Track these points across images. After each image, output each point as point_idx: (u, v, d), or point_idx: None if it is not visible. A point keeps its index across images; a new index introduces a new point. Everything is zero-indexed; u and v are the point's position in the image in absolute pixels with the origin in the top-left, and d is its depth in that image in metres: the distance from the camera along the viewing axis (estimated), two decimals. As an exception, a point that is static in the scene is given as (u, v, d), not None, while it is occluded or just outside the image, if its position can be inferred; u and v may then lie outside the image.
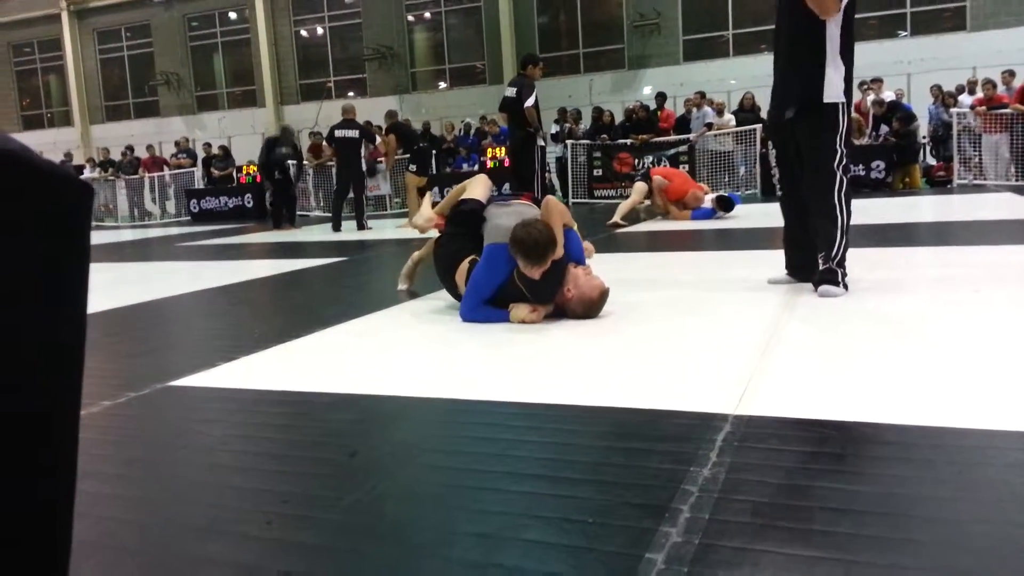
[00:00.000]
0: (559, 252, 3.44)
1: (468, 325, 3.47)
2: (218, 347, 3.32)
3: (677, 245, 6.62)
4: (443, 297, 4.08)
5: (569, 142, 13.93)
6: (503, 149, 13.42)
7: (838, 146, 3.65)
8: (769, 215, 8.60)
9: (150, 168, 17.96)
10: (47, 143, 23.36)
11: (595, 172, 13.73)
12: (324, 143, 11.42)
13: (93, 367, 2.97)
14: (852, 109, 3.80)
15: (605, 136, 13.84)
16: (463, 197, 3.96)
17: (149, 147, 18.88)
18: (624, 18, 19.71)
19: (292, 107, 22.97)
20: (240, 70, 24.27)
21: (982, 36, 16.60)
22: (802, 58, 3.68)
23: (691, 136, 13.16)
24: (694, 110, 13.63)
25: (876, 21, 17.55)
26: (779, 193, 4.03)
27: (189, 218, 16.36)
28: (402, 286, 4.52)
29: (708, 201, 8.50)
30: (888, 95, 13.12)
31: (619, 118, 14.70)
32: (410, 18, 22.14)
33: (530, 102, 8.60)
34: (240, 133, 22.88)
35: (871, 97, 12.63)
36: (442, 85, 22.15)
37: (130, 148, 19.11)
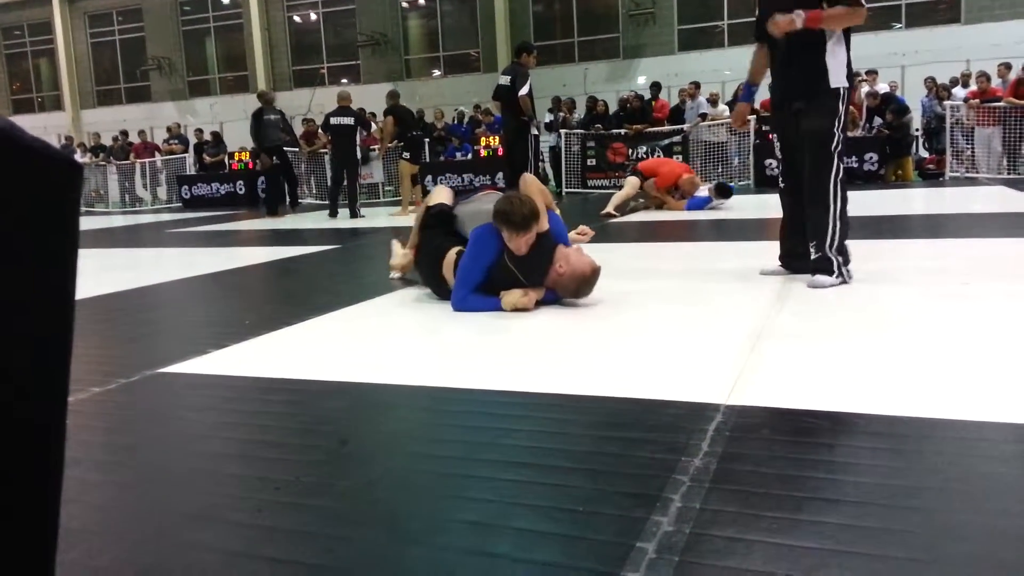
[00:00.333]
0: (544, 225, 3.46)
1: (459, 313, 3.46)
2: (209, 334, 3.31)
3: (669, 236, 6.62)
4: (435, 285, 4.07)
5: (563, 131, 13.89)
6: (497, 138, 13.39)
7: (836, 130, 3.66)
8: (762, 206, 8.63)
9: (141, 154, 17.84)
10: (37, 128, 23.17)
11: (589, 162, 13.71)
12: (319, 130, 11.33)
13: (82, 353, 2.95)
14: (852, 96, 3.81)
15: (599, 126, 13.81)
16: (428, 204, 4.04)
17: (141, 132, 18.76)
18: (619, 7, 19.64)
19: (285, 93, 22.79)
20: (232, 55, 24.09)
21: (976, 29, 16.60)
22: (804, 49, 3.67)
23: (685, 126, 13.14)
24: (688, 100, 13.61)
25: (871, 13, 17.50)
26: (781, 184, 4.02)
27: (180, 204, 16.27)
28: (395, 275, 4.51)
29: (704, 190, 8.53)
30: (882, 87, 13.13)
31: (613, 107, 14.67)
32: (404, 5, 22.01)
33: (524, 90, 8.56)
34: (232, 119, 22.72)
35: (865, 89, 12.63)
36: (436, 73, 22.05)
37: (123, 133, 18.98)
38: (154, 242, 8.71)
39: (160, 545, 1.45)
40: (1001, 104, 11.41)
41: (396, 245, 4.54)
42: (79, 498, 1.63)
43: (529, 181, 3.72)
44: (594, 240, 4.13)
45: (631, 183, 8.67)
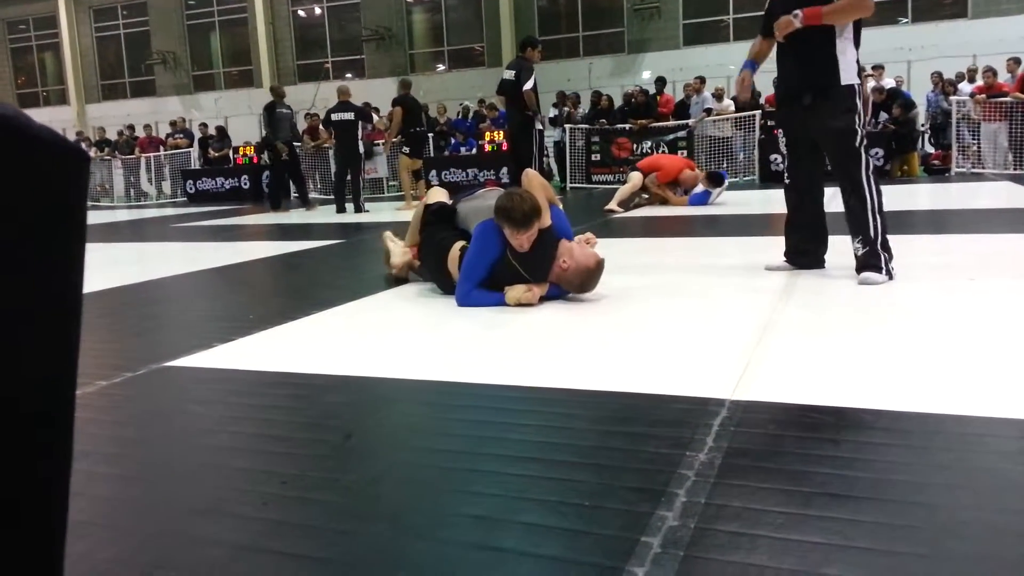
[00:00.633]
0: (546, 221, 3.45)
1: (464, 308, 3.46)
2: (214, 328, 3.32)
3: (674, 231, 6.61)
4: (440, 280, 4.07)
5: (567, 126, 13.87)
6: (501, 133, 13.37)
7: (857, 127, 3.63)
8: (767, 201, 8.60)
9: (146, 148, 17.85)
10: (42, 122, 23.08)
11: (593, 157, 13.68)
12: (321, 127, 11.30)
13: (89, 346, 2.96)
14: (863, 92, 3.78)
15: (604, 120, 13.78)
16: (426, 203, 4.03)
17: (146, 127, 18.76)
18: (624, 1, 19.59)
19: (289, 88, 22.56)
20: (237, 50, 24.09)
21: (983, 23, 16.53)
22: (814, 45, 3.64)
23: (690, 121, 13.11)
24: (693, 95, 13.58)
25: (877, 8, 17.43)
26: (786, 180, 4.00)
27: (185, 199, 16.29)
28: (395, 275, 4.49)
29: (701, 184, 8.50)
30: (888, 82, 13.08)
31: (618, 102, 14.63)
32: (409, -1, 22.01)
33: (529, 85, 8.54)
34: (237, 114, 22.75)
35: (871, 84, 12.58)
36: (440, 67, 22.02)
37: (129, 127, 18.99)
38: (159, 236, 8.72)
39: (166, 538, 1.46)
40: (1007, 99, 11.35)
41: (390, 241, 4.49)
42: (86, 491, 1.64)
43: (531, 177, 3.71)
44: (599, 235, 4.12)
45: (634, 178, 8.66)
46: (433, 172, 13.86)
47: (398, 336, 3.08)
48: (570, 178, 13.68)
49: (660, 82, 14.49)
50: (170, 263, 5.83)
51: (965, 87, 12.45)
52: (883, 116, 12.10)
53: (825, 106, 3.66)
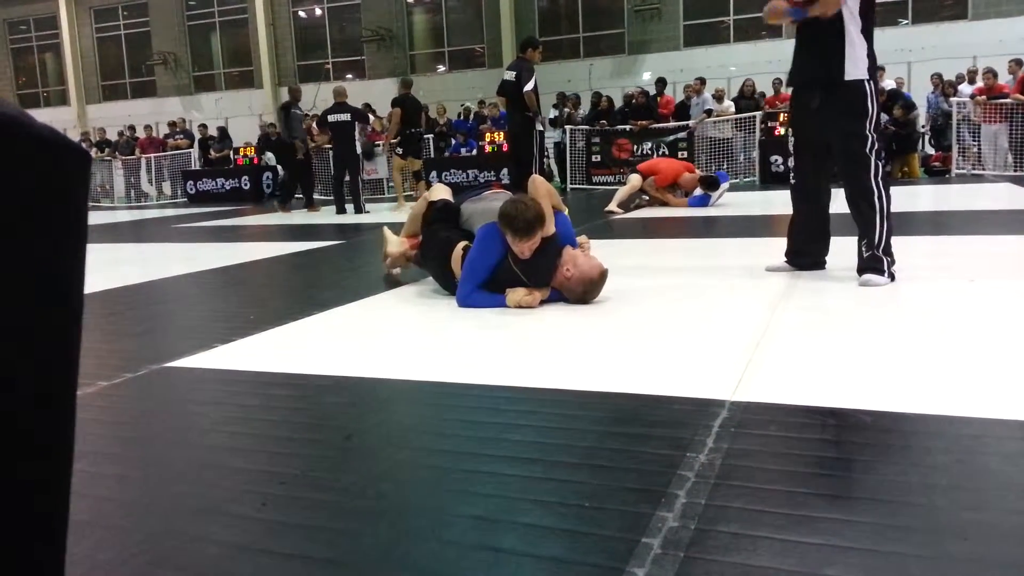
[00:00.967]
0: (549, 229, 3.44)
1: (464, 309, 3.46)
2: (215, 329, 3.32)
3: (674, 232, 6.61)
4: (440, 281, 4.07)
5: (568, 127, 13.88)
6: (502, 134, 13.37)
7: (868, 132, 3.59)
8: (767, 203, 8.61)
9: (146, 149, 17.85)
10: (43, 122, 23.15)
11: (593, 158, 13.69)
12: (315, 126, 11.27)
13: (89, 347, 2.96)
14: (879, 94, 3.73)
15: (604, 122, 13.79)
16: (430, 200, 4.03)
17: (147, 128, 18.77)
18: (624, 2, 19.60)
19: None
20: (238, 51, 24.11)
21: (983, 25, 16.53)
22: (824, 37, 3.61)
23: (690, 123, 13.11)
24: (694, 96, 13.58)
25: (879, 9, 17.44)
26: (792, 180, 3.98)
27: (186, 200, 16.29)
28: (393, 271, 4.50)
29: (699, 189, 8.49)
30: (888, 83, 13.08)
31: (618, 103, 14.64)
32: (409, 0, 22.00)
33: (529, 86, 8.54)
34: (237, 114, 22.75)
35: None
36: (441, 68, 22.03)
37: (130, 128, 19.00)
38: (160, 237, 8.72)
39: (166, 539, 1.46)
40: (1008, 101, 11.35)
41: (389, 232, 4.50)
42: (86, 492, 1.64)
43: (538, 184, 3.68)
44: (598, 236, 4.12)
45: (633, 180, 8.67)
46: (433, 173, 13.87)
47: (398, 337, 3.08)
48: (570, 179, 13.68)
49: (660, 83, 14.50)
50: (171, 264, 5.83)
51: (965, 89, 12.46)
52: (884, 118, 12.10)
53: (835, 108, 3.63)
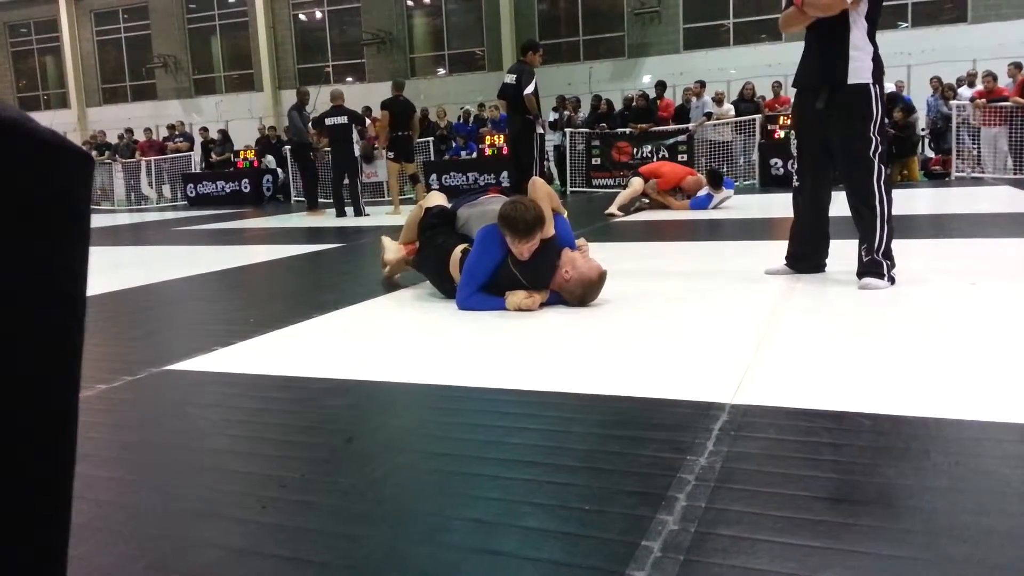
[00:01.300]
0: (548, 231, 3.44)
1: (464, 312, 3.47)
2: (214, 331, 3.32)
3: (674, 235, 6.61)
4: (440, 284, 4.08)
5: (568, 130, 13.89)
6: (502, 136, 13.38)
7: (872, 135, 3.59)
8: (767, 206, 8.61)
9: (146, 152, 17.86)
10: (45, 125, 23.17)
11: (593, 161, 13.70)
12: (311, 127, 11.24)
13: (89, 350, 2.95)
14: (884, 97, 3.72)
15: (604, 125, 13.80)
16: (426, 207, 4.04)
17: (147, 130, 18.78)
18: (624, 6, 19.62)
19: (290, 91, 22.80)
20: (238, 54, 24.13)
21: (983, 28, 16.55)
22: (830, 39, 3.61)
23: (690, 126, 13.13)
24: (693, 99, 13.59)
25: (877, 12, 17.44)
26: (795, 183, 3.97)
27: (186, 202, 16.30)
28: (387, 272, 4.49)
29: (705, 189, 8.50)
30: (888, 87, 13.09)
31: (618, 106, 14.65)
32: (409, 3, 22.02)
33: (530, 89, 8.55)
34: (237, 117, 22.76)
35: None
36: (441, 71, 22.05)
37: (129, 131, 19.01)
38: (160, 240, 8.72)
39: (166, 542, 1.46)
40: (1007, 104, 11.37)
41: (387, 240, 4.52)
42: (85, 494, 1.64)
43: (538, 186, 3.69)
44: (599, 239, 4.12)
45: (635, 183, 8.68)
46: (433, 176, 13.88)
47: (398, 340, 3.08)
48: (570, 182, 13.69)
49: (660, 86, 14.51)
50: (170, 266, 5.83)
51: (965, 91, 12.47)
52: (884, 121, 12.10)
53: (840, 111, 3.63)
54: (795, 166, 3.98)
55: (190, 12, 24.46)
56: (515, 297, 3.41)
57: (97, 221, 12.35)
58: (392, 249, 4.36)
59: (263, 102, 23.02)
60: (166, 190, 17.74)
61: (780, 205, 6.63)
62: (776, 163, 12.11)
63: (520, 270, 3.42)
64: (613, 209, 8.35)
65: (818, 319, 3.09)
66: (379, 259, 4.48)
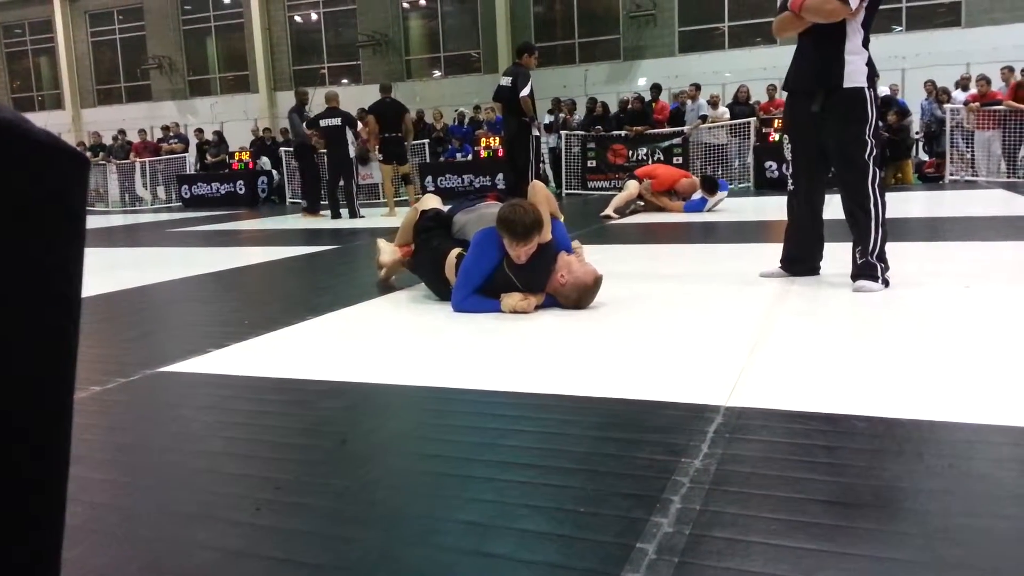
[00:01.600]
0: (546, 236, 3.44)
1: (459, 314, 3.46)
2: (209, 333, 3.31)
3: (669, 238, 6.62)
4: (435, 286, 4.07)
5: (563, 133, 13.90)
6: (497, 139, 13.38)
7: (867, 137, 3.60)
8: (762, 209, 8.63)
9: (141, 153, 17.82)
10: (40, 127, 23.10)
11: (589, 163, 13.71)
12: (306, 128, 11.23)
13: (83, 351, 2.94)
14: (878, 100, 3.73)
15: (599, 127, 13.81)
16: (422, 209, 4.03)
17: (141, 132, 18.74)
18: (620, 8, 19.65)
19: (285, 93, 22.81)
20: (233, 55, 24.10)
21: (976, 32, 16.62)
22: (824, 44, 3.61)
23: (685, 128, 13.15)
24: (688, 102, 13.62)
25: (871, 16, 17.49)
26: (790, 187, 3.97)
27: (180, 204, 16.27)
28: (382, 275, 4.48)
29: (699, 192, 8.53)
30: (883, 90, 13.13)
31: (614, 109, 14.67)
32: (405, 5, 22.02)
33: (525, 91, 8.55)
34: (232, 119, 22.73)
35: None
36: (437, 73, 22.05)
37: (122, 132, 18.97)
38: (154, 241, 8.70)
39: (160, 544, 1.46)
40: (1001, 107, 11.42)
41: (382, 242, 4.51)
42: (79, 496, 1.63)
43: (538, 189, 3.69)
44: (594, 241, 4.13)
45: (630, 186, 8.71)
46: (429, 178, 13.87)
47: (393, 342, 3.08)
48: (566, 185, 13.70)
49: (655, 89, 14.53)
50: (165, 268, 5.82)
51: (959, 95, 12.51)
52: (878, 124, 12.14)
53: (835, 114, 3.64)
54: (789, 169, 3.99)
55: (185, 13, 24.42)
56: (510, 299, 3.41)
57: (91, 222, 12.31)
58: (387, 251, 4.35)
59: (258, 104, 23.00)
60: (161, 191, 17.70)
61: (774, 208, 6.65)
62: (771, 166, 12.14)
63: (516, 274, 3.42)
64: (609, 211, 8.36)
65: (813, 322, 3.09)
66: (374, 261, 4.47)
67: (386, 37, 21.83)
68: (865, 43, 3.63)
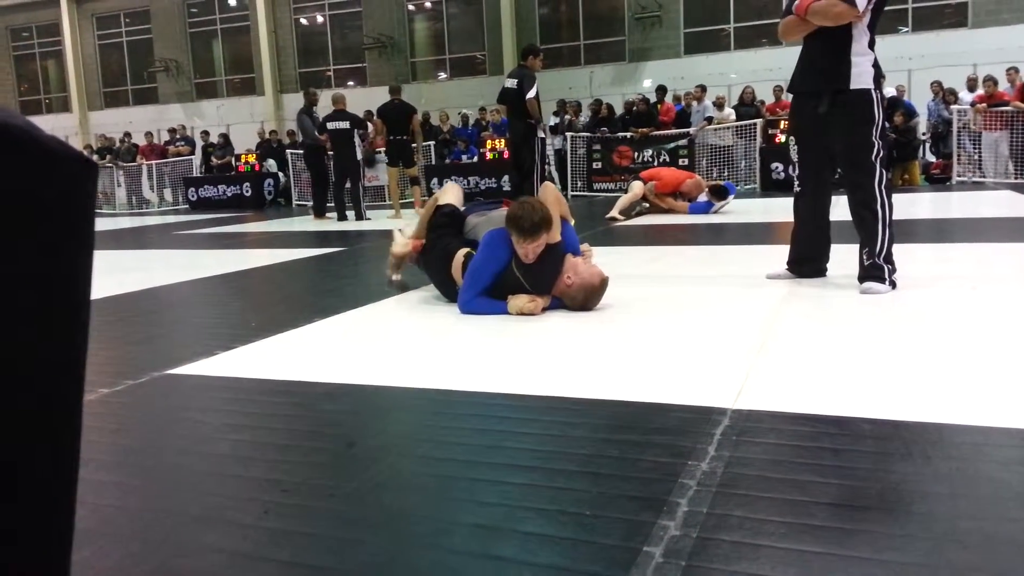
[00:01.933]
0: (555, 236, 3.44)
1: (465, 316, 3.47)
2: (216, 336, 3.32)
3: (675, 239, 6.61)
4: (441, 288, 4.07)
5: (568, 134, 13.90)
6: (503, 140, 13.39)
7: (874, 138, 3.59)
8: (768, 210, 8.61)
9: (148, 155, 17.88)
10: (45, 129, 23.17)
11: (594, 165, 13.71)
12: (315, 131, 11.25)
13: (91, 354, 2.95)
14: (884, 101, 3.73)
15: (605, 129, 13.81)
16: (439, 203, 4.02)
17: (147, 134, 18.80)
18: (625, 10, 19.65)
19: (291, 96, 22.87)
20: (239, 58, 24.16)
21: (983, 33, 16.56)
22: (831, 45, 3.61)
23: (691, 130, 13.13)
24: (694, 104, 13.60)
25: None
26: (796, 189, 3.95)
27: (187, 206, 16.32)
28: (394, 276, 4.49)
29: (705, 195, 8.52)
30: (889, 91, 13.10)
31: (619, 111, 14.66)
32: (411, 7, 22.05)
33: (531, 93, 8.56)
34: (239, 121, 22.78)
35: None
36: (442, 75, 22.07)
37: (128, 135, 19.03)
38: (161, 244, 8.73)
39: (167, 546, 1.46)
40: (1008, 108, 11.38)
41: (398, 234, 4.50)
42: (87, 499, 1.64)
43: (548, 191, 3.70)
44: (600, 243, 4.13)
45: (635, 188, 8.70)
46: (435, 180, 13.88)
47: (399, 344, 3.08)
48: (571, 186, 13.70)
49: (661, 91, 14.52)
50: (172, 270, 5.83)
51: (966, 96, 12.48)
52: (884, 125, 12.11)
53: (842, 115, 3.63)
54: (796, 171, 3.98)
55: (191, 16, 24.49)
56: (517, 301, 3.41)
57: (99, 225, 12.29)
58: (400, 243, 4.33)
59: (264, 106, 23.05)
60: (167, 194, 17.75)
61: (781, 209, 6.63)
62: (777, 167, 12.12)
63: (524, 274, 3.42)
64: (614, 213, 8.36)
65: (819, 323, 3.09)
66: (396, 213, 4.48)
67: (391, 39, 21.86)
68: (871, 44, 3.63)
